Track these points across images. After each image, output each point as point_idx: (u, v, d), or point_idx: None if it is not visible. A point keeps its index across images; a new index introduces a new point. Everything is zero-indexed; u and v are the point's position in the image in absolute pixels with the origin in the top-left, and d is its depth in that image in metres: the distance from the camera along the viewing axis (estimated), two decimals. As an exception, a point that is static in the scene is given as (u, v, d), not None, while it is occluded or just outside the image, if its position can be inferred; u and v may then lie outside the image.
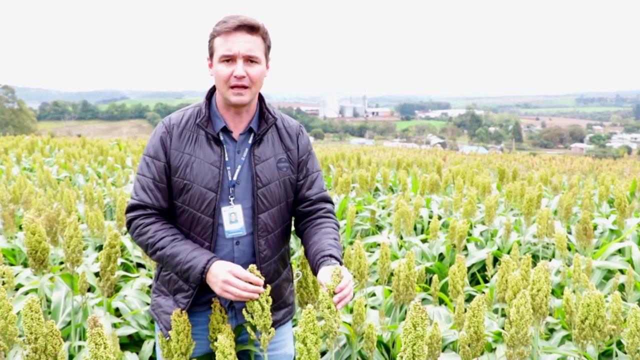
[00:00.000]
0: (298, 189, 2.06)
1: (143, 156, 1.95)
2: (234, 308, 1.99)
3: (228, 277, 1.75)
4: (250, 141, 1.97)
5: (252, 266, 1.77)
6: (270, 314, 1.77)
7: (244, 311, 1.78)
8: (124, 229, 4.92)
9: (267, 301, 1.76)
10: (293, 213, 2.10)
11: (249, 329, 1.82)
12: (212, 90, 2.01)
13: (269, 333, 1.77)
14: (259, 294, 1.75)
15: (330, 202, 2.13)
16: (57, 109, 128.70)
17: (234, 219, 1.91)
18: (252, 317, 1.76)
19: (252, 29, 1.84)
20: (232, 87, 1.85)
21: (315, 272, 1.88)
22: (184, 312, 1.86)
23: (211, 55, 1.90)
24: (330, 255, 1.83)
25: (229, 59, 1.84)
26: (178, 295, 1.95)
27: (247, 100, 1.89)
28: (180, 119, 1.95)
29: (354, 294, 3.55)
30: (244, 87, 1.86)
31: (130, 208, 1.93)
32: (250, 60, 1.85)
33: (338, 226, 2.07)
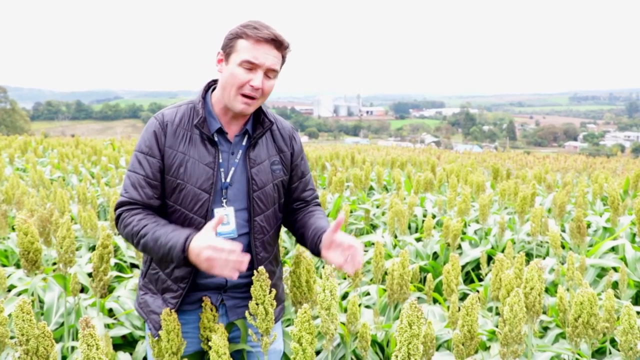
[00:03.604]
0: (292, 191, 2.08)
1: (135, 152, 1.89)
2: (225, 305, 1.98)
3: (209, 253, 1.67)
4: (244, 143, 1.96)
5: (261, 268, 1.76)
6: (273, 317, 1.76)
7: (246, 313, 1.76)
8: (118, 229, 4.89)
9: (271, 305, 1.74)
10: (283, 210, 2.12)
11: (250, 331, 1.81)
12: (207, 88, 1.98)
13: (270, 336, 1.76)
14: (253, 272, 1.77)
15: (318, 197, 2.20)
16: (50, 109, 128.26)
17: (225, 220, 1.89)
18: (255, 320, 1.74)
19: (281, 45, 1.84)
20: (243, 95, 1.83)
21: (315, 251, 1.90)
22: (173, 311, 1.83)
23: (228, 53, 1.84)
24: None
25: (252, 67, 1.81)
26: (166, 294, 1.93)
27: (251, 111, 1.89)
28: (174, 116, 1.90)
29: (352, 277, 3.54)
30: (254, 98, 1.85)
31: (119, 205, 1.89)
32: (269, 74, 1.85)
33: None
